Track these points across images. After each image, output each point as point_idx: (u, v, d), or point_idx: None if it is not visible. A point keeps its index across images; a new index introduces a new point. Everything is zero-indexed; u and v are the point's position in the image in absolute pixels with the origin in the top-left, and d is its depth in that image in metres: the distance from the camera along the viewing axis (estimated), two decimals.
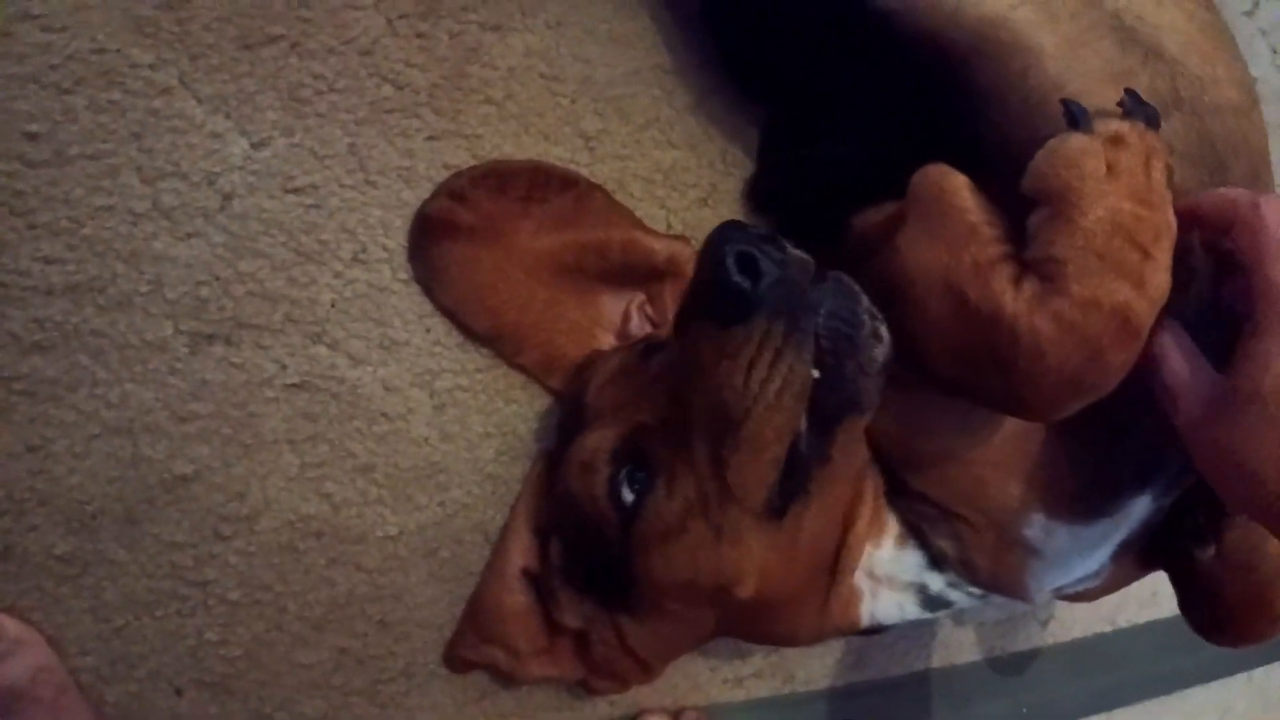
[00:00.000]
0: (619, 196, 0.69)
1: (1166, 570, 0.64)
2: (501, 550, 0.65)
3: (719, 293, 0.48)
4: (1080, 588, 0.63)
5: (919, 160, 0.52)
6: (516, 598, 0.64)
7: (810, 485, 0.51)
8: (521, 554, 0.63)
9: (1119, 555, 0.60)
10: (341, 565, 0.63)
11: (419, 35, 0.64)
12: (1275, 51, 0.92)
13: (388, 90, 0.63)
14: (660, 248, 0.66)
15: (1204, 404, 0.45)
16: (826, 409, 0.50)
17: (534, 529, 0.63)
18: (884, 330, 0.50)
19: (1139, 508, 0.56)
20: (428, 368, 0.65)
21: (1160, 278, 0.44)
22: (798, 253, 0.49)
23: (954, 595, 0.61)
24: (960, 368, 0.47)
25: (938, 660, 0.82)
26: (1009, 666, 0.84)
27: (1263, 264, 0.44)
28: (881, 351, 0.49)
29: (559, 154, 0.68)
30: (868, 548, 0.57)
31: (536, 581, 0.63)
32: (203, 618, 0.60)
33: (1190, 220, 0.47)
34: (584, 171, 0.68)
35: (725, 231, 0.48)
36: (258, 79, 0.60)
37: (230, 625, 0.61)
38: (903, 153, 0.54)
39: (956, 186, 0.49)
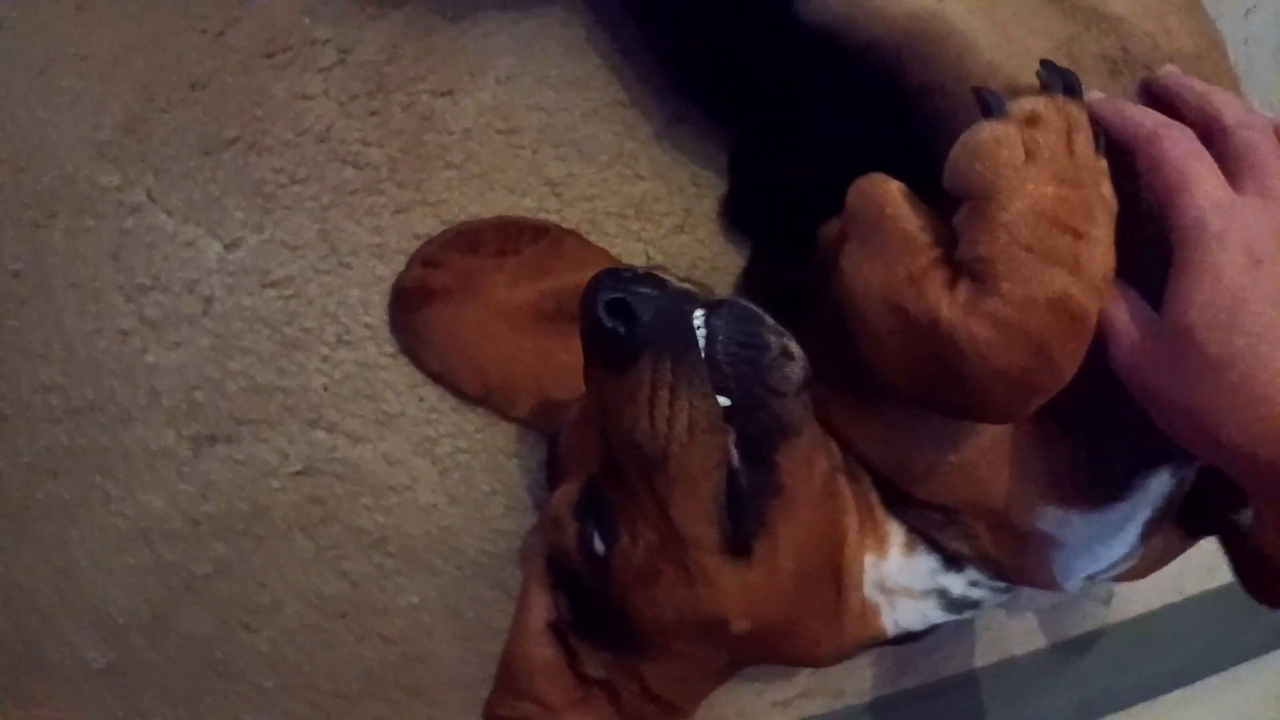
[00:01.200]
0: (593, 237, 0.69)
1: (1215, 536, 0.61)
2: (523, 606, 0.65)
3: (598, 341, 0.49)
4: (1116, 570, 0.60)
5: (883, 170, 0.51)
6: (544, 651, 0.63)
7: (768, 517, 0.50)
8: (542, 608, 0.64)
9: (1149, 534, 0.57)
10: (369, 640, 0.65)
11: (372, 113, 0.65)
12: None
13: (349, 172, 0.64)
14: None
15: (1138, 344, 0.43)
16: (753, 438, 0.49)
17: (545, 583, 0.63)
18: (794, 347, 0.49)
19: (1158, 485, 0.54)
20: (426, 435, 0.66)
21: (1099, 256, 0.42)
22: (680, 285, 0.49)
23: (979, 593, 0.59)
24: (915, 381, 0.46)
25: (995, 654, 0.79)
26: (1071, 651, 0.81)
27: (1169, 199, 0.43)
28: (795, 369, 0.49)
29: (527, 205, 0.68)
30: (869, 561, 0.56)
31: (561, 634, 0.63)
32: (239, 707, 0.62)
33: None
34: (555, 217, 0.68)
35: (597, 279, 0.48)
36: (221, 182, 0.62)
37: (267, 711, 0.63)
38: (869, 165, 0.53)
39: (889, 195, 0.47)
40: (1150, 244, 0.46)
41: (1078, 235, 0.41)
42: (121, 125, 0.60)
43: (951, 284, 0.43)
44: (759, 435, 0.50)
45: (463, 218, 0.66)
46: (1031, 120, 0.43)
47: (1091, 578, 0.59)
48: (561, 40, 0.69)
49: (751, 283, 0.70)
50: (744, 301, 0.50)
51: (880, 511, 0.56)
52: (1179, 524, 0.60)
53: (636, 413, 0.48)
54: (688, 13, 0.62)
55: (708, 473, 0.49)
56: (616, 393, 0.49)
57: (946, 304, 0.43)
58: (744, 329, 0.49)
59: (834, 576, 0.55)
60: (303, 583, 0.63)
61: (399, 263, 0.65)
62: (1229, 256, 0.41)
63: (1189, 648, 0.83)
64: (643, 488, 0.50)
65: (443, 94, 0.66)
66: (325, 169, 0.64)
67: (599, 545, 0.52)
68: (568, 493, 0.54)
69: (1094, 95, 0.46)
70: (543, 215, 0.68)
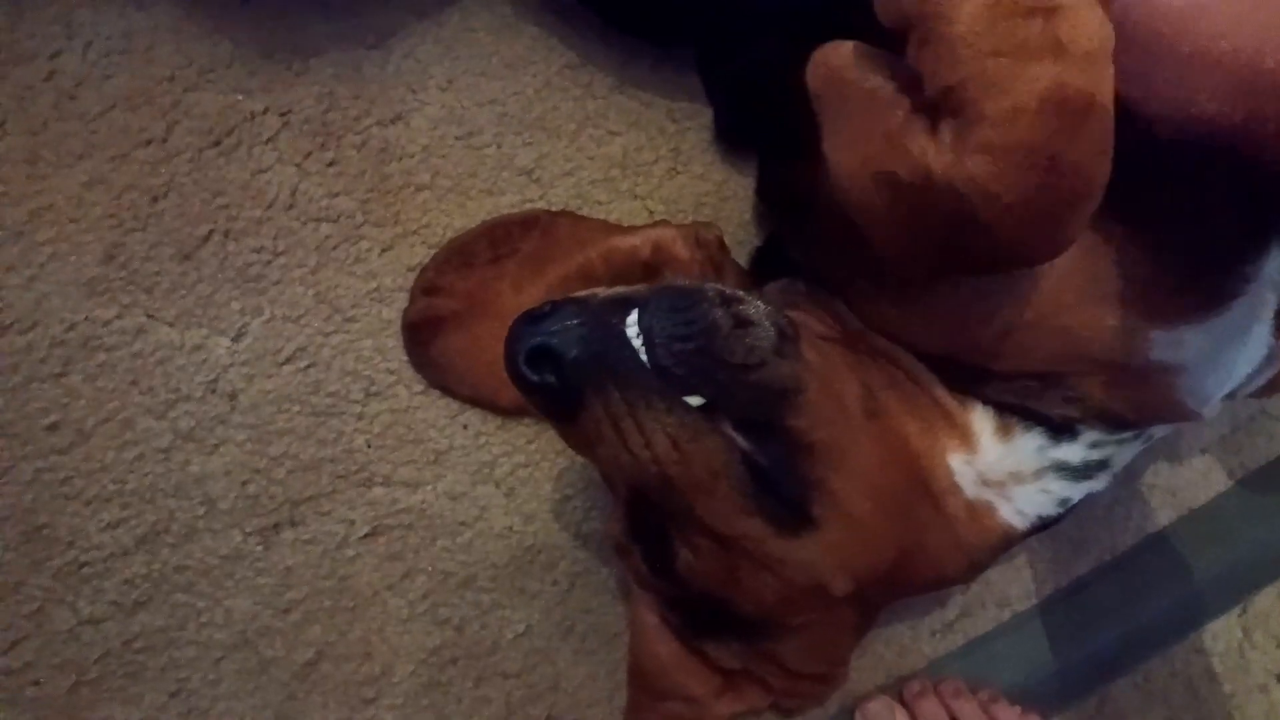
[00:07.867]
0: (585, 210, 0.65)
1: None
2: (634, 609, 0.62)
3: (534, 399, 0.46)
4: (1263, 377, 0.51)
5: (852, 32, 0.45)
6: (670, 647, 0.60)
7: (813, 477, 0.45)
8: (650, 608, 0.60)
9: None
10: (489, 680, 0.62)
11: (329, 164, 0.63)
12: None
13: (325, 228, 0.63)
14: (640, 242, 0.61)
15: None
16: (751, 417, 0.45)
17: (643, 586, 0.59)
18: (751, 309, 0.44)
19: (1273, 266, 0.45)
20: (481, 461, 0.63)
21: (1082, 20, 0.35)
22: (605, 296, 0.45)
23: (1104, 453, 0.51)
24: (937, 252, 0.40)
25: (1172, 511, 0.70)
26: (1265, 480, 0.71)
27: None
28: (760, 333, 0.44)
29: (509, 201, 0.65)
30: (957, 460, 0.49)
31: (679, 631, 0.59)
32: None
33: None
34: (540, 204, 0.65)
35: (512, 331, 0.45)
36: (210, 279, 0.62)
37: None
38: (835, 29, 0.47)
39: (843, 59, 0.42)
40: None
41: (1048, 11, 0.35)
42: (102, 258, 0.61)
43: (934, 129, 0.37)
44: (755, 412, 0.45)
45: (449, 235, 0.64)
46: None
47: (1232, 395, 0.51)
48: (489, 27, 0.65)
49: (766, 195, 0.65)
50: (676, 284, 0.45)
51: (953, 404, 0.49)
52: None
53: (612, 451, 0.45)
54: None
55: (716, 474, 0.45)
56: (581, 441, 0.46)
57: (934, 153, 0.37)
58: (682, 318, 0.43)
59: (922, 492, 0.49)
60: (406, 641, 0.62)
61: (401, 300, 0.63)
62: None
63: None
64: (669, 505, 0.46)
65: (391, 122, 0.64)
66: (301, 233, 0.63)
67: (667, 562, 0.49)
68: (615, 521, 0.51)
69: None
70: (527, 206, 0.65)
